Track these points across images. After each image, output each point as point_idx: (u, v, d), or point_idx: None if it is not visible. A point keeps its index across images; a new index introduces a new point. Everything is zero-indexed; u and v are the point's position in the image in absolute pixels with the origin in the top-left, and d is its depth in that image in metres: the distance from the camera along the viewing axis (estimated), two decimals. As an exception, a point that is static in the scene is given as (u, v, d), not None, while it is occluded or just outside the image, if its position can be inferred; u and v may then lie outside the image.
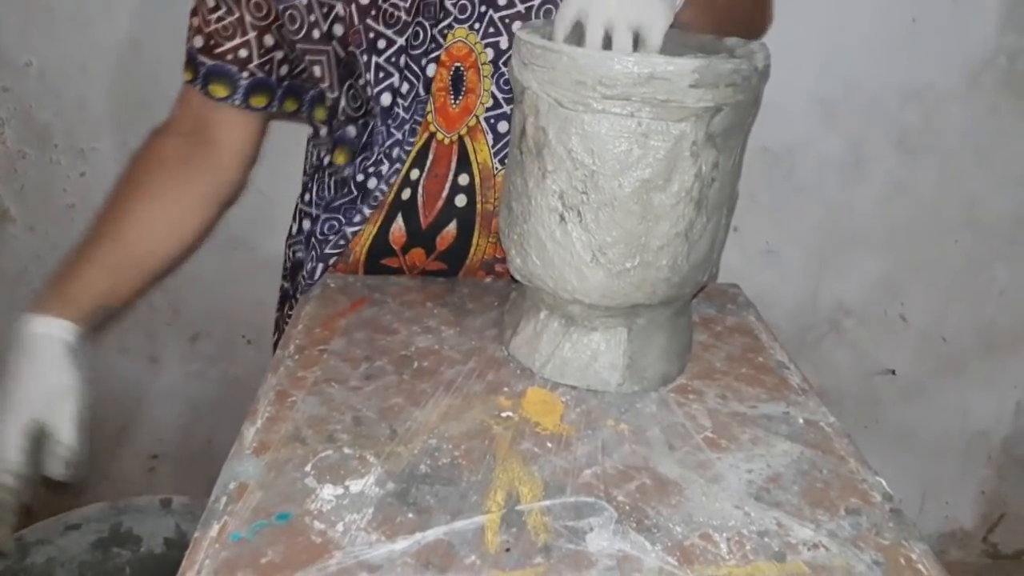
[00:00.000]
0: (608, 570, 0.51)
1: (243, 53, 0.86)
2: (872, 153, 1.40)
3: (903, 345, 1.56)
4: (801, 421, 0.67)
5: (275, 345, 1.06)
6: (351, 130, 0.89)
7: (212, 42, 0.86)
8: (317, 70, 0.85)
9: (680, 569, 0.52)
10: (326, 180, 0.95)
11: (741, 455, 0.63)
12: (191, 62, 0.89)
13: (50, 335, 0.79)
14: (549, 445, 0.63)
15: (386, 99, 0.84)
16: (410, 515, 0.55)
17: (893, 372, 1.58)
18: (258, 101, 0.89)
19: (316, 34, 0.83)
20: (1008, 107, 1.35)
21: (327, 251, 0.89)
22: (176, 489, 1.25)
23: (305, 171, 1.00)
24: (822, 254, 1.49)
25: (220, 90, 0.88)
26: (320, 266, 0.90)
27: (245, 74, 0.87)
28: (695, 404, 0.69)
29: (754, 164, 1.48)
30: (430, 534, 0.54)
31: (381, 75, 0.83)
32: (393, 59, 0.83)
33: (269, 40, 0.86)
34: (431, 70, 0.84)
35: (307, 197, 0.98)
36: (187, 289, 1.45)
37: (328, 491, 0.57)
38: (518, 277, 0.72)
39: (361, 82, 0.84)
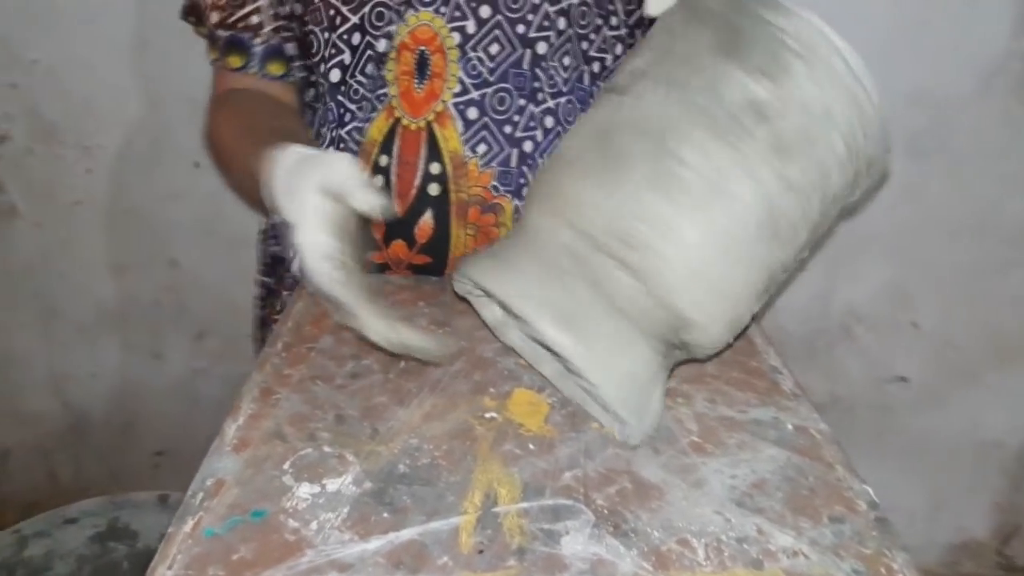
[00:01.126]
0: (581, 574, 0.51)
1: (255, 20, 0.87)
2: (882, 157, 1.38)
3: (915, 352, 1.54)
4: (790, 427, 0.66)
5: (256, 340, 1.06)
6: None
7: (227, 13, 0.88)
8: (290, 47, 0.88)
9: (654, 575, 0.51)
10: None
11: (726, 460, 0.62)
12: (212, 39, 0.90)
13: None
14: (531, 447, 0.62)
15: (335, 76, 0.85)
16: (385, 515, 0.55)
17: (905, 379, 1.56)
18: (276, 69, 0.89)
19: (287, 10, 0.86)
20: (1021, 111, 1.33)
21: None
22: (180, 486, 1.24)
23: None
24: (832, 259, 1.47)
25: (235, 60, 0.89)
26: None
27: (258, 41, 0.88)
28: (683, 408, 0.68)
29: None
30: (404, 534, 0.53)
31: (332, 51, 0.84)
32: (345, 36, 0.84)
33: (284, 9, 0.87)
34: (382, 45, 0.84)
35: None
36: (192, 287, 1.46)
37: (305, 489, 0.57)
38: None
39: (315, 60, 0.85)
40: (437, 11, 0.84)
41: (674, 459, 0.62)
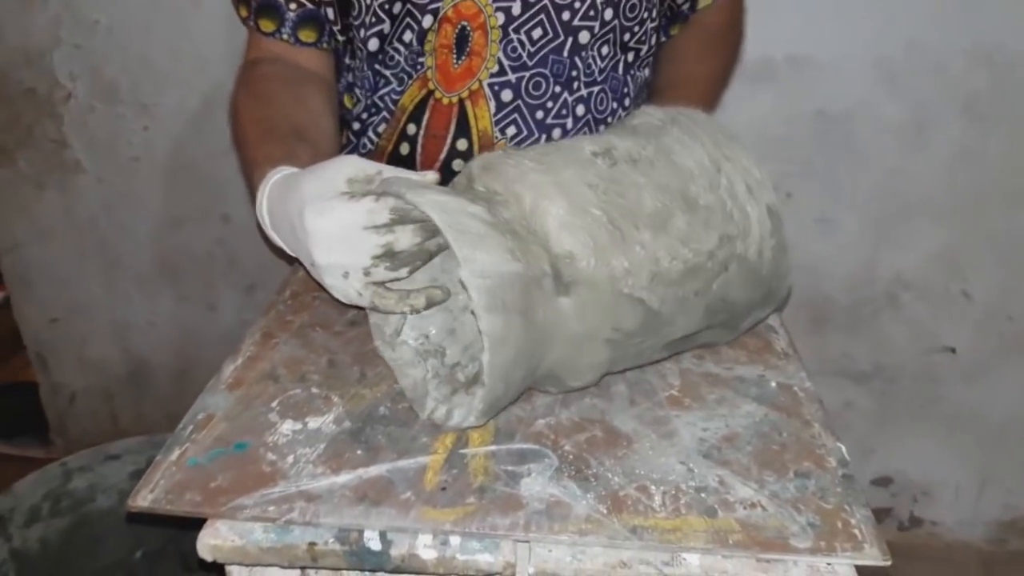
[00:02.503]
0: (536, 513, 0.53)
1: None
2: (935, 118, 1.33)
3: (965, 322, 1.49)
4: (774, 385, 0.66)
5: None
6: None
7: None
8: (330, 12, 0.86)
9: (607, 517, 0.52)
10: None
11: (701, 414, 0.62)
12: None
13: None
14: (511, 395, 0.64)
15: (373, 44, 0.85)
16: (359, 452, 0.58)
17: (953, 350, 1.51)
18: (307, 36, 0.88)
19: None
20: (1086, 72, 1.27)
21: None
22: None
23: None
24: (880, 224, 1.43)
25: (267, 24, 0.87)
26: None
27: (293, 6, 0.86)
28: (669, 363, 0.69)
29: (809, 128, 1.43)
30: (372, 470, 0.56)
31: (372, 19, 0.83)
32: (387, 6, 0.83)
33: None
34: (427, 21, 0.83)
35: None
36: (242, 241, 1.51)
37: (287, 426, 0.60)
38: None
39: (355, 23, 0.85)
40: None
41: (648, 411, 0.63)
